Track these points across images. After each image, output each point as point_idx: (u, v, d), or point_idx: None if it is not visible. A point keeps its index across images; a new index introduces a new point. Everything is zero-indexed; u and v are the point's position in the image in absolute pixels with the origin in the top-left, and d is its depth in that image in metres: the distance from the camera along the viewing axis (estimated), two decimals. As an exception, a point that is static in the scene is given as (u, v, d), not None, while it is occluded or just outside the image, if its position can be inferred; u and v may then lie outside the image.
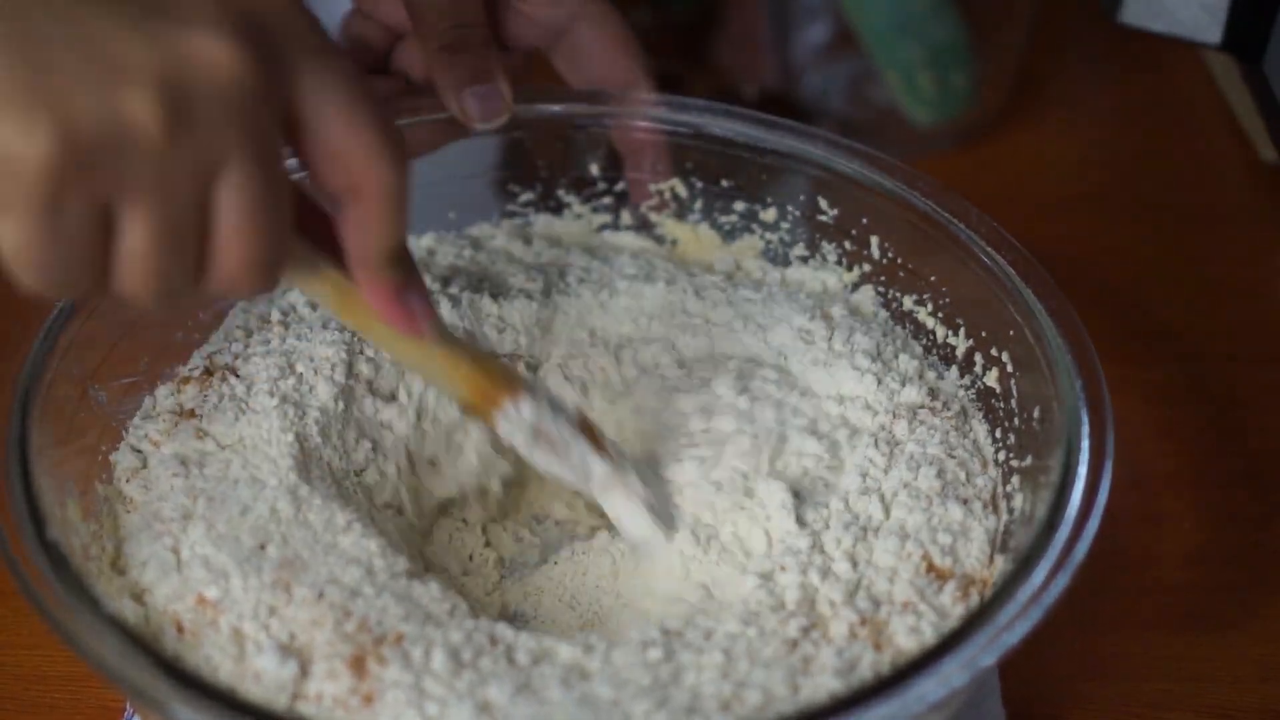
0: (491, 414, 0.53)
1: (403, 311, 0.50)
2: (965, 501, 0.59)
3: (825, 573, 0.56)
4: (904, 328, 0.68)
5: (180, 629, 0.54)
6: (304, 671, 0.52)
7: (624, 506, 0.54)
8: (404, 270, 0.49)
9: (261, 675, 0.52)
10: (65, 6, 0.38)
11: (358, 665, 0.52)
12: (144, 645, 0.50)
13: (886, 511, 0.58)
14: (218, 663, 0.53)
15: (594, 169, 0.73)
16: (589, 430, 0.54)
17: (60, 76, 0.38)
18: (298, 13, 0.44)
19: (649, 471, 0.57)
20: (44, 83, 0.38)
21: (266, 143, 0.43)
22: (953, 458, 0.60)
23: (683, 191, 0.72)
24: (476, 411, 0.54)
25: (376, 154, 0.45)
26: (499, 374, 0.54)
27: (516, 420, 0.53)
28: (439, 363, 0.52)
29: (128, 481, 0.59)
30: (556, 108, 0.71)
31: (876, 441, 0.61)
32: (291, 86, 0.44)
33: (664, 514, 0.56)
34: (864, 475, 0.59)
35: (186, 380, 0.63)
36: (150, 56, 0.39)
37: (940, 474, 0.59)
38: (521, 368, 0.62)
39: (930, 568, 0.57)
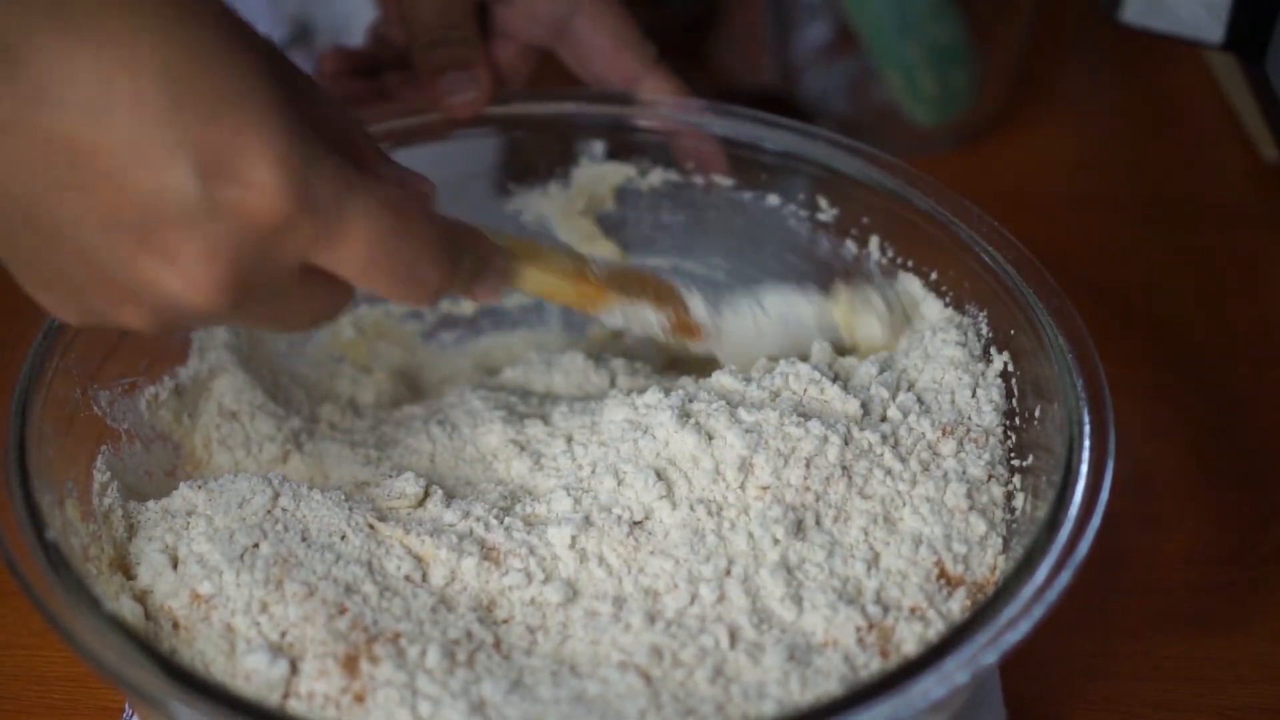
0: (598, 310, 0.63)
1: (478, 297, 0.56)
2: (984, 511, 0.59)
3: (832, 573, 0.56)
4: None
5: (176, 625, 0.54)
6: (294, 670, 0.52)
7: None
8: (465, 274, 0.54)
9: (252, 675, 0.52)
10: (92, 238, 0.45)
11: (350, 664, 0.52)
12: (143, 645, 0.50)
13: (903, 518, 0.58)
14: (210, 658, 0.53)
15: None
16: (680, 326, 0.65)
17: (76, 290, 0.47)
18: (300, 217, 0.46)
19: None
20: (64, 292, 0.48)
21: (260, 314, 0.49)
22: (993, 478, 0.60)
23: (682, 190, 0.73)
24: (586, 310, 0.63)
25: (392, 295, 0.50)
26: (596, 285, 0.62)
27: (607, 317, 0.63)
28: (541, 295, 0.61)
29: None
30: (557, 107, 0.71)
31: (905, 457, 0.60)
32: (302, 261, 0.47)
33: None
34: (885, 482, 0.59)
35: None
36: (139, 291, 0.46)
37: (969, 494, 0.59)
38: None
39: (942, 574, 0.57)
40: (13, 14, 0.43)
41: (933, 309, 0.67)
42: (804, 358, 0.65)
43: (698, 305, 0.65)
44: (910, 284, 0.67)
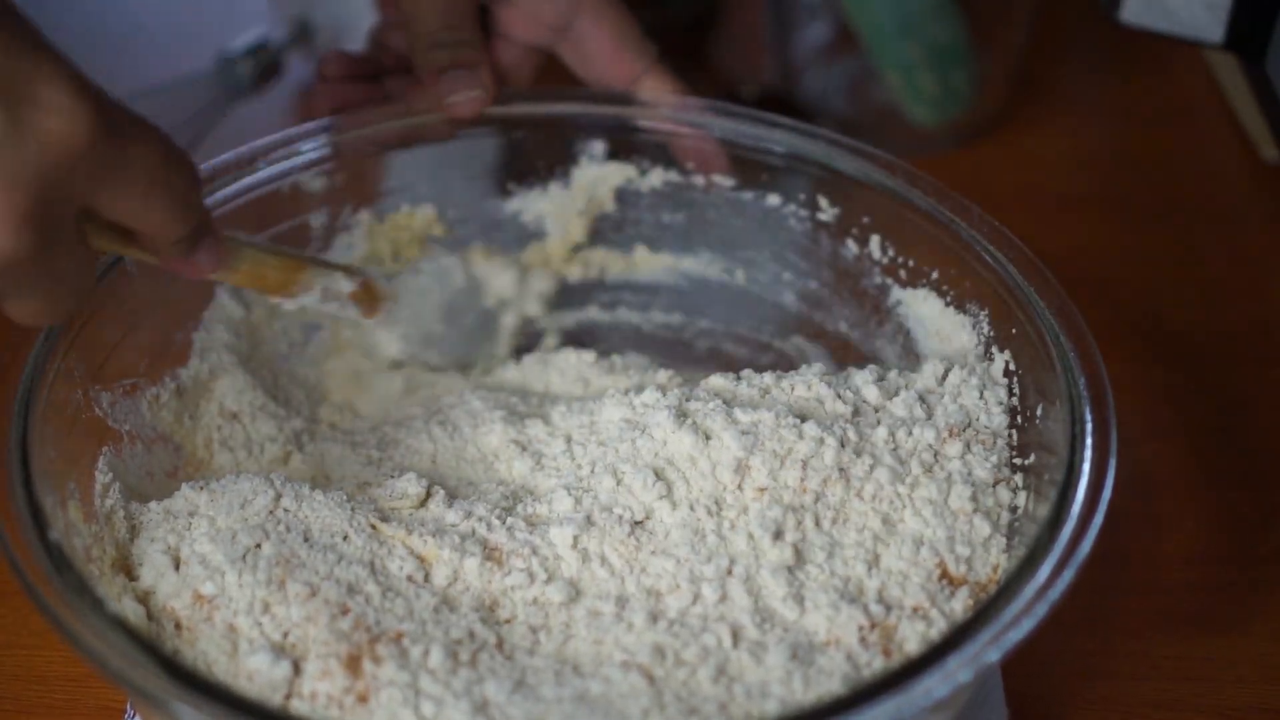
0: (298, 287, 0.61)
1: (200, 265, 0.55)
2: (988, 513, 0.58)
3: (833, 573, 0.56)
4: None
5: (179, 626, 0.54)
6: (297, 670, 0.52)
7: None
8: (187, 243, 0.53)
9: (254, 675, 0.52)
10: None
11: (352, 664, 0.52)
12: (145, 646, 0.50)
13: (903, 519, 0.58)
14: (213, 659, 0.53)
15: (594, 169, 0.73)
16: (367, 291, 0.64)
17: None
18: (100, 140, 0.46)
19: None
20: None
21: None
22: (1000, 482, 0.60)
23: (683, 191, 0.73)
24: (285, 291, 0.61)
25: (166, 221, 0.51)
26: (288, 274, 0.61)
27: (306, 296, 0.62)
28: (249, 276, 0.59)
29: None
30: (557, 107, 0.71)
31: (905, 459, 0.60)
32: (88, 200, 0.48)
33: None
34: (884, 485, 0.59)
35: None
36: None
37: (974, 498, 0.58)
38: None
39: (944, 574, 0.57)
40: None
41: (936, 311, 0.67)
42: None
43: (374, 275, 0.65)
44: (918, 301, 0.68)
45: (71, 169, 0.46)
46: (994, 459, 0.60)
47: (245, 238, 0.60)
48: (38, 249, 0.47)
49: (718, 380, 0.64)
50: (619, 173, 0.73)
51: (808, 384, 0.62)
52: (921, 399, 0.62)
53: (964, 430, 0.60)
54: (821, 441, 0.58)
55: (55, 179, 0.46)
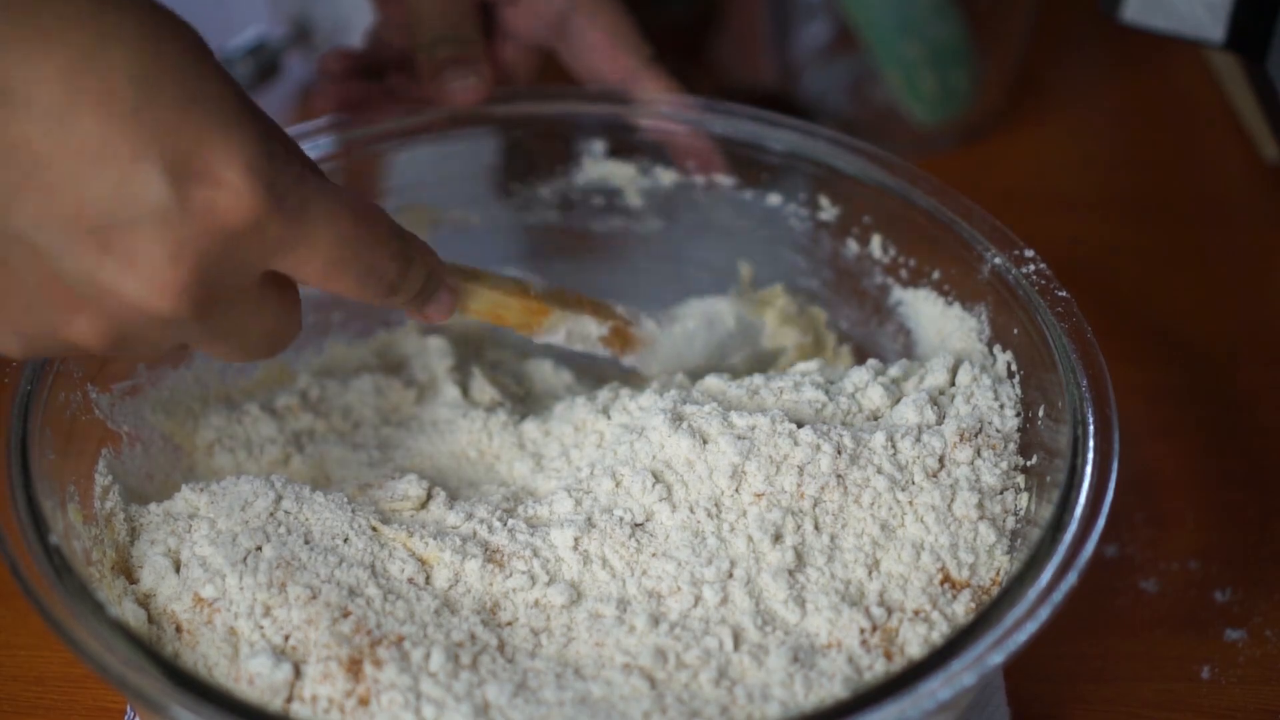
0: (541, 328, 0.62)
1: (430, 316, 0.56)
2: (994, 520, 0.58)
3: (834, 576, 0.56)
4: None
5: (179, 629, 0.54)
6: (298, 673, 0.52)
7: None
8: (417, 284, 0.53)
9: (255, 679, 0.52)
10: (51, 243, 0.44)
11: (353, 667, 0.52)
12: (146, 649, 0.50)
13: (904, 525, 0.58)
14: (214, 662, 0.53)
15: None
16: (619, 335, 0.65)
17: (25, 306, 0.46)
18: (268, 217, 0.45)
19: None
20: (14, 309, 0.46)
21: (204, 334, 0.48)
22: (1008, 489, 0.59)
23: (683, 190, 0.72)
24: (530, 330, 0.62)
25: (351, 293, 0.50)
26: (540, 301, 0.61)
27: (550, 336, 0.63)
28: (487, 316, 0.60)
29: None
30: (557, 107, 0.71)
31: (906, 465, 0.60)
32: (264, 267, 0.47)
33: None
34: (884, 491, 0.58)
35: None
36: (97, 298, 0.45)
37: (980, 504, 0.58)
38: None
39: (946, 579, 0.56)
40: None
41: (937, 311, 0.67)
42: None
43: (634, 315, 0.65)
44: (919, 301, 0.68)
45: (238, 244, 0.45)
46: (1004, 464, 0.59)
47: (488, 274, 0.59)
48: (204, 313, 0.46)
49: (713, 381, 0.63)
50: (619, 171, 0.72)
51: (795, 384, 0.62)
52: (933, 400, 0.61)
53: (975, 435, 0.60)
54: (818, 448, 0.58)
55: (219, 252, 0.45)
